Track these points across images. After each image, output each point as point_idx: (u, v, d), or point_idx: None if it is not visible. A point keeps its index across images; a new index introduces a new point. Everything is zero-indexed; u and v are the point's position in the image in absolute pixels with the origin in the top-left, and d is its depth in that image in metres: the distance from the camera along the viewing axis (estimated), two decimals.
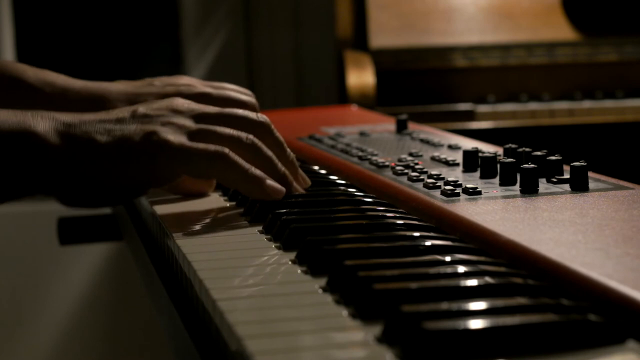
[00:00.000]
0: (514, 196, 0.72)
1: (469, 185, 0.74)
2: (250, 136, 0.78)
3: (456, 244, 0.62)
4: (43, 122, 0.75)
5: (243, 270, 0.62)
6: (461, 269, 0.55)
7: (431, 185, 0.76)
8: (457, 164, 0.86)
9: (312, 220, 0.70)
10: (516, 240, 0.59)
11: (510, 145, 0.84)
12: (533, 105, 1.95)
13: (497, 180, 0.78)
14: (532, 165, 0.74)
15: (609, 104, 1.95)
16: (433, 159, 0.90)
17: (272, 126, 0.82)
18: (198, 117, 0.80)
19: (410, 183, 0.79)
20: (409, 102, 1.98)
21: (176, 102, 0.81)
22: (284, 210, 0.73)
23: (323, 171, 0.91)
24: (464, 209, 0.69)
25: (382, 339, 0.47)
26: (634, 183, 0.74)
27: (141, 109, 0.79)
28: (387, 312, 0.48)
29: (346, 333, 0.49)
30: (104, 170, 0.76)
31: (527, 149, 0.82)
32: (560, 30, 2.04)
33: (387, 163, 0.88)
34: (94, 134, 0.76)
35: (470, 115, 1.92)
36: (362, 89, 1.88)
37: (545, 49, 2.02)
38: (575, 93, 1.99)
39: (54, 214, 1.29)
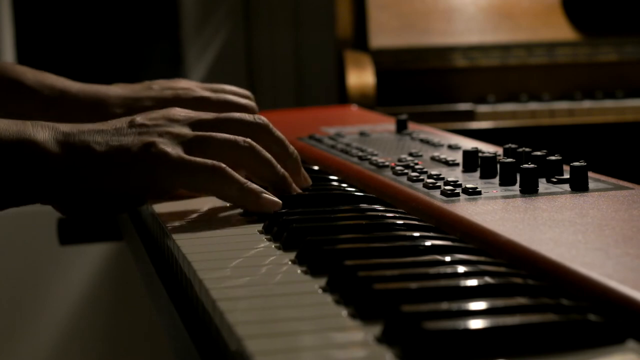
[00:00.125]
0: (513, 196, 0.72)
1: (468, 185, 0.74)
2: (248, 140, 0.78)
3: (456, 244, 0.62)
4: (43, 132, 0.76)
5: (243, 270, 0.62)
6: (461, 269, 0.55)
7: (431, 185, 0.76)
8: (457, 164, 0.86)
9: (312, 220, 0.70)
10: (516, 240, 0.59)
11: (510, 145, 0.84)
12: (533, 105, 1.95)
13: (497, 180, 0.78)
14: (532, 165, 0.74)
15: (609, 104, 1.95)
16: (433, 159, 0.90)
17: (271, 126, 0.82)
18: (195, 125, 0.80)
19: (410, 183, 0.79)
20: (409, 102, 1.98)
21: (173, 111, 0.81)
22: (284, 211, 0.73)
23: (323, 171, 0.91)
24: (464, 209, 0.69)
25: (382, 339, 0.47)
26: (634, 183, 0.74)
27: (138, 118, 0.79)
28: (387, 312, 0.48)
29: (346, 333, 0.49)
30: (101, 180, 0.76)
31: (527, 149, 0.82)
32: (560, 30, 2.04)
33: (387, 163, 0.88)
34: (92, 143, 0.76)
35: (470, 115, 1.92)
36: (362, 89, 1.88)
37: (545, 49, 2.02)
38: (575, 93, 1.99)
39: (54, 214, 1.29)
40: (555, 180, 0.76)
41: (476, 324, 0.45)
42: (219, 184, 0.76)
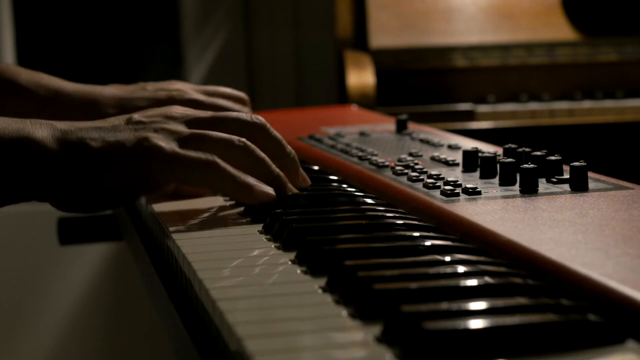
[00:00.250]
0: (513, 196, 0.72)
1: (468, 185, 0.74)
2: (243, 139, 0.79)
3: (456, 244, 0.62)
4: (41, 129, 0.77)
5: (243, 270, 0.62)
6: (461, 269, 0.55)
7: (431, 185, 0.76)
8: (457, 164, 0.86)
9: (312, 220, 0.70)
10: (516, 240, 0.59)
11: (510, 145, 0.84)
12: (533, 105, 1.95)
13: (496, 180, 0.78)
14: (531, 165, 0.74)
15: (609, 104, 1.95)
16: (433, 159, 0.90)
17: (268, 126, 0.82)
18: (191, 123, 0.80)
19: (410, 183, 0.79)
20: (409, 102, 1.98)
21: (171, 109, 0.82)
22: (284, 210, 0.73)
23: (323, 171, 0.91)
24: (464, 209, 0.69)
25: (382, 339, 0.47)
26: (634, 183, 0.74)
27: (136, 116, 0.80)
28: (387, 312, 0.48)
29: (346, 333, 0.49)
30: (96, 175, 0.77)
31: (527, 149, 0.82)
32: (560, 30, 2.04)
33: (387, 163, 0.88)
34: (88, 140, 0.77)
35: (470, 115, 1.92)
36: (362, 89, 1.88)
37: (545, 49, 2.02)
38: (575, 93, 1.99)
39: (54, 214, 1.29)
40: (555, 180, 0.76)
41: (476, 324, 0.45)
42: (213, 177, 0.76)
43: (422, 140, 1.01)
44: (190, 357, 0.56)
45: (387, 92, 1.97)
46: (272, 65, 2.40)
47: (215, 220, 0.77)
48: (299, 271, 0.60)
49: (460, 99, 1.99)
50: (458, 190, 0.73)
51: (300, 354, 0.46)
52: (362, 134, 1.09)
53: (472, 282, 0.52)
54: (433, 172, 0.80)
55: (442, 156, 0.89)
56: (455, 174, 0.81)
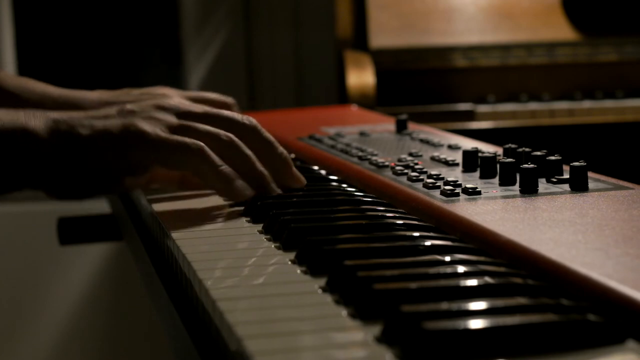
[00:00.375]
0: (513, 196, 0.72)
1: (468, 185, 0.74)
2: (230, 135, 0.80)
3: (456, 244, 0.62)
4: (35, 119, 0.80)
5: (243, 270, 0.62)
6: (461, 269, 0.55)
7: (431, 185, 0.76)
8: (457, 164, 0.86)
9: (312, 220, 0.70)
10: (516, 240, 0.59)
11: (510, 145, 0.84)
12: (533, 105, 1.95)
13: (496, 180, 0.78)
14: (531, 165, 0.74)
15: (609, 104, 1.95)
16: (433, 159, 0.90)
17: (259, 127, 0.83)
18: (181, 115, 0.82)
19: (410, 183, 0.79)
20: (409, 102, 1.98)
21: (165, 101, 0.83)
22: (284, 210, 0.73)
23: (323, 171, 0.91)
24: (464, 209, 0.69)
25: (381, 339, 0.47)
26: (634, 183, 0.74)
27: (129, 105, 0.82)
28: (387, 312, 0.48)
29: (346, 333, 0.49)
30: (84, 161, 0.79)
31: (527, 149, 0.82)
32: (560, 30, 2.04)
33: (387, 163, 0.88)
34: (78, 127, 0.80)
35: (470, 115, 1.92)
36: (362, 89, 1.88)
37: (545, 49, 2.02)
38: (575, 93, 1.99)
39: (54, 214, 1.29)
40: (555, 180, 0.76)
41: (476, 324, 0.45)
42: (195, 162, 0.78)
43: (422, 140, 1.01)
44: (190, 357, 0.56)
45: (387, 92, 1.97)
46: (272, 65, 2.40)
47: (215, 220, 0.77)
48: (298, 271, 0.60)
49: (460, 99, 1.99)
50: (458, 190, 0.73)
51: (300, 354, 0.46)
52: (362, 134, 1.09)
53: (472, 282, 0.52)
54: (433, 172, 0.80)
55: (442, 156, 0.89)
56: (455, 174, 0.81)
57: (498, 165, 0.78)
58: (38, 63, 2.52)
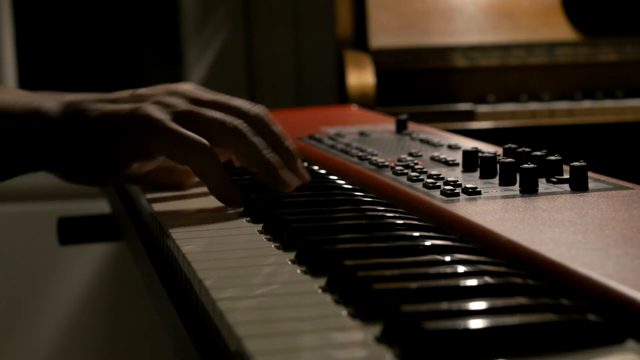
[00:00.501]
0: (513, 196, 0.72)
1: (468, 185, 0.74)
2: (235, 123, 0.79)
3: (456, 244, 0.62)
4: (49, 102, 0.82)
5: (243, 270, 0.62)
6: (461, 269, 0.55)
7: (431, 185, 0.76)
8: (457, 164, 0.86)
9: (312, 220, 0.70)
10: (516, 240, 0.59)
11: (510, 145, 0.84)
12: (533, 105, 1.95)
13: (496, 180, 0.78)
14: (531, 165, 0.74)
15: (609, 104, 1.95)
16: (433, 159, 0.90)
17: (268, 118, 0.82)
18: (191, 101, 0.82)
19: (410, 183, 0.79)
20: (409, 102, 1.98)
21: (179, 86, 0.84)
22: (284, 210, 0.73)
23: (323, 171, 0.91)
24: (464, 209, 0.69)
25: (381, 339, 0.47)
26: (634, 183, 0.74)
27: (141, 90, 0.84)
28: (387, 312, 0.48)
29: (346, 333, 0.49)
30: (91, 142, 0.81)
31: (527, 149, 0.82)
32: (560, 30, 2.04)
33: (386, 163, 0.88)
34: (88, 110, 0.81)
35: (470, 115, 1.92)
36: (362, 89, 1.88)
37: (545, 49, 2.02)
38: (575, 93, 1.99)
39: (54, 214, 1.29)
40: (555, 180, 0.76)
41: (476, 323, 0.45)
42: (198, 158, 0.78)
43: (422, 140, 1.01)
44: (190, 357, 0.56)
45: (387, 92, 1.97)
46: (272, 65, 2.40)
47: (215, 220, 0.77)
48: (298, 271, 0.60)
49: (460, 99, 1.99)
50: (458, 190, 0.73)
51: (300, 354, 0.46)
52: (362, 134, 1.09)
53: (472, 282, 0.52)
54: (433, 172, 0.80)
55: (442, 156, 0.89)
56: (455, 174, 0.81)
57: (498, 165, 0.78)
58: (38, 63, 2.52)
